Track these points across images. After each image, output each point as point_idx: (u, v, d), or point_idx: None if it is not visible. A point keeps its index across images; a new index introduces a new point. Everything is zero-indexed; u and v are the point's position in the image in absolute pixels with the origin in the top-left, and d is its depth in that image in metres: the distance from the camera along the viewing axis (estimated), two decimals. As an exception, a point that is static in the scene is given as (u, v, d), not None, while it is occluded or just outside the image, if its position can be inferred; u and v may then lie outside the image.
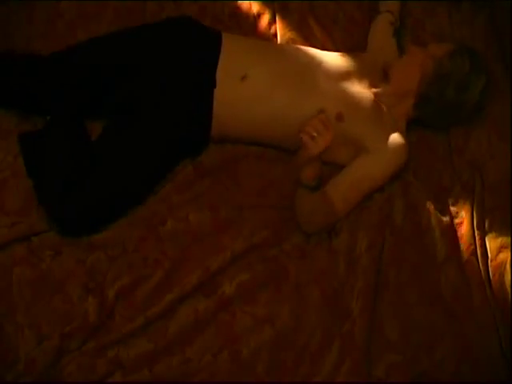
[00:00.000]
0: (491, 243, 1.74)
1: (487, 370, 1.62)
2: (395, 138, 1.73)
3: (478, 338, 1.64)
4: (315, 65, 1.76)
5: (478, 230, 1.76)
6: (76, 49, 1.75)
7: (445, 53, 1.73)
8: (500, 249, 1.73)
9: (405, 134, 1.77)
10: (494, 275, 1.70)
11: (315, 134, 1.65)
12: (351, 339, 1.61)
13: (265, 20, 1.97)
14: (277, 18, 1.98)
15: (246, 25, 1.95)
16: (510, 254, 1.72)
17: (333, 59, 1.80)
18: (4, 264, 1.59)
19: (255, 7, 1.98)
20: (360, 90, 1.75)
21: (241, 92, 1.70)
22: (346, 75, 1.76)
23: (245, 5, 1.98)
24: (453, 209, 1.80)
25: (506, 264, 1.71)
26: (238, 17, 1.96)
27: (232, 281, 1.64)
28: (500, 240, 1.74)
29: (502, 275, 1.69)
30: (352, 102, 1.73)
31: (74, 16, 1.90)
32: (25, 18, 1.88)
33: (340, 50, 1.90)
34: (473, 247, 1.75)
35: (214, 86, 1.70)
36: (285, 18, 1.97)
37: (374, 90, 1.77)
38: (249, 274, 1.65)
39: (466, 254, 1.75)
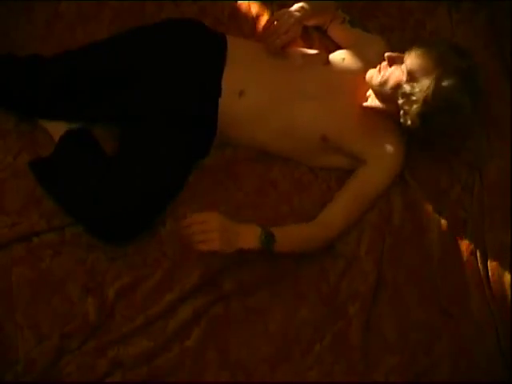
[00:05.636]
0: (491, 243, 1.74)
1: (485, 370, 1.62)
2: (390, 144, 1.71)
3: (476, 338, 1.65)
4: (308, 80, 1.74)
5: (477, 230, 1.77)
6: (79, 52, 1.75)
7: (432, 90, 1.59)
8: (500, 249, 1.73)
9: (400, 138, 1.73)
10: (493, 275, 1.70)
11: (202, 237, 1.48)
12: (344, 339, 1.61)
13: (264, 18, 1.96)
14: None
15: (246, 25, 1.94)
16: (509, 254, 1.72)
17: (322, 72, 1.77)
18: (4, 264, 1.59)
19: (254, 8, 1.97)
20: (346, 105, 1.73)
21: (239, 107, 1.70)
22: (333, 90, 1.73)
23: (244, 5, 1.98)
24: (452, 209, 1.79)
25: (505, 264, 1.71)
26: (238, 17, 1.96)
27: (232, 279, 1.64)
28: (500, 240, 1.74)
29: (501, 275, 1.70)
30: (337, 121, 1.72)
31: (73, 17, 1.89)
32: (24, 18, 1.88)
33: (336, 50, 1.89)
34: (472, 247, 1.75)
35: (219, 95, 1.71)
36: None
37: (362, 102, 1.74)
38: (249, 274, 1.66)
39: (465, 254, 1.75)
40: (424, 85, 1.59)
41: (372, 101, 1.72)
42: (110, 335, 1.56)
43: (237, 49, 1.77)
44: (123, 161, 1.67)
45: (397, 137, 1.73)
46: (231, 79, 1.71)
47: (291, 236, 1.62)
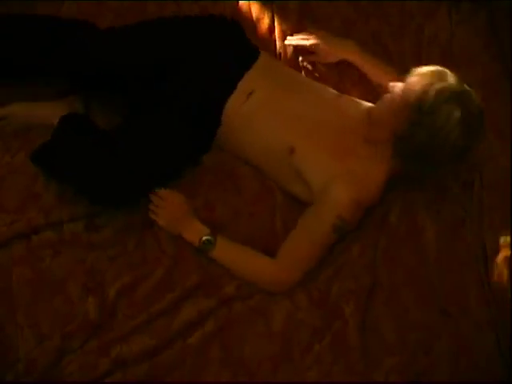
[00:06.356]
0: (490, 243, 1.75)
1: (485, 369, 1.62)
2: (343, 186, 1.60)
3: (475, 337, 1.65)
4: (306, 96, 1.74)
5: (476, 229, 1.77)
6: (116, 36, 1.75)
7: (422, 92, 1.55)
8: (499, 248, 1.74)
9: (371, 188, 1.64)
10: (492, 275, 1.71)
11: (155, 209, 1.68)
12: (343, 339, 1.62)
13: (265, 21, 1.97)
14: (275, 19, 1.98)
15: (246, 25, 1.94)
16: (509, 253, 1.72)
17: (327, 96, 1.76)
18: (4, 264, 1.59)
19: (255, 8, 1.98)
20: (333, 132, 1.68)
21: (243, 107, 1.70)
22: (325, 117, 1.70)
23: (245, 6, 1.98)
24: (451, 209, 1.80)
25: (505, 264, 1.71)
26: (238, 18, 1.95)
27: (232, 282, 1.65)
28: (499, 240, 1.74)
29: (501, 275, 1.70)
30: (312, 140, 1.67)
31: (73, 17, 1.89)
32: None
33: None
34: (471, 247, 1.75)
35: (231, 93, 1.71)
36: (283, 19, 1.98)
37: (354, 137, 1.68)
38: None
39: (463, 254, 1.75)
40: (418, 91, 1.56)
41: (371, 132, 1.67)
42: (113, 334, 1.56)
43: (266, 62, 1.79)
44: (128, 133, 1.69)
45: (356, 181, 1.63)
46: (247, 81, 1.72)
47: (234, 255, 1.67)
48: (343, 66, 1.92)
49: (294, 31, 1.95)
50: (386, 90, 1.66)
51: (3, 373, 1.49)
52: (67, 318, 1.56)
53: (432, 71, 1.59)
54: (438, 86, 1.54)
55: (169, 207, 1.68)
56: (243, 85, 1.72)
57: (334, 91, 1.80)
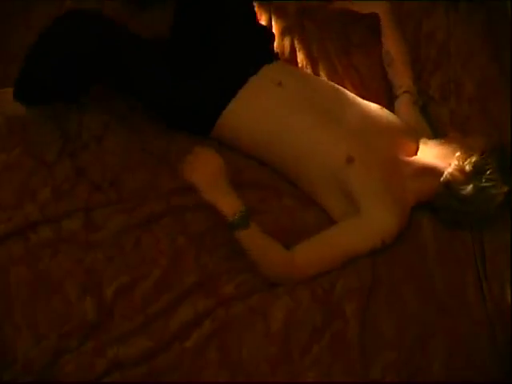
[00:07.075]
0: (490, 242, 1.75)
1: (479, 365, 1.62)
2: (393, 211, 1.65)
3: (472, 335, 1.65)
4: (348, 104, 1.75)
5: (476, 229, 1.78)
6: None
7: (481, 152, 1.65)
8: (499, 248, 1.74)
9: (407, 211, 1.71)
10: (491, 273, 1.71)
11: (186, 166, 1.57)
12: (342, 339, 1.61)
13: (262, 19, 1.98)
14: (273, 20, 1.99)
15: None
16: (509, 253, 1.72)
17: (371, 108, 1.78)
18: (1, 264, 1.58)
19: (253, 8, 1.99)
20: (384, 146, 1.70)
21: (273, 91, 1.70)
22: (377, 126, 1.73)
23: (243, 6, 1.99)
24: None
25: (504, 263, 1.71)
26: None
27: (231, 282, 1.64)
28: (499, 239, 1.75)
29: (500, 274, 1.70)
30: (369, 153, 1.68)
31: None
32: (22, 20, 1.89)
33: (336, 50, 1.93)
34: (470, 246, 1.76)
35: (254, 74, 1.72)
36: (281, 19, 1.98)
37: (400, 153, 1.72)
38: (248, 275, 1.66)
39: (462, 253, 1.75)
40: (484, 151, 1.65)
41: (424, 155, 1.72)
42: (110, 335, 1.55)
43: (287, 65, 1.85)
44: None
45: (404, 209, 1.70)
46: (273, 70, 1.74)
47: (261, 238, 1.60)
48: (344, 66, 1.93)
49: (292, 29, 1.96)
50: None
51: (1, 373, 1.48)
52: (65, 318, 1.55)
53: (498, 140, 1.72)
54: (503, 154, 1.66)
55: (203, 166, 1.54)
56: (268, 71, 1.73)
57: (374, 104, 1.80)
